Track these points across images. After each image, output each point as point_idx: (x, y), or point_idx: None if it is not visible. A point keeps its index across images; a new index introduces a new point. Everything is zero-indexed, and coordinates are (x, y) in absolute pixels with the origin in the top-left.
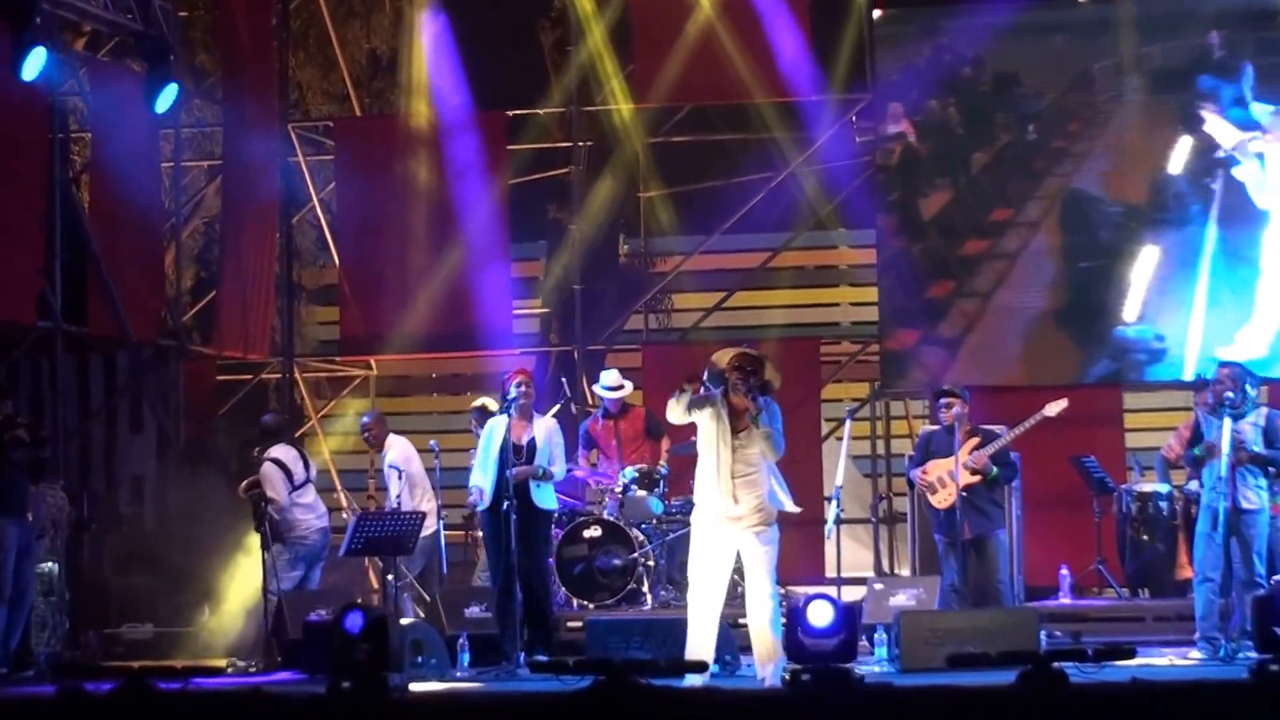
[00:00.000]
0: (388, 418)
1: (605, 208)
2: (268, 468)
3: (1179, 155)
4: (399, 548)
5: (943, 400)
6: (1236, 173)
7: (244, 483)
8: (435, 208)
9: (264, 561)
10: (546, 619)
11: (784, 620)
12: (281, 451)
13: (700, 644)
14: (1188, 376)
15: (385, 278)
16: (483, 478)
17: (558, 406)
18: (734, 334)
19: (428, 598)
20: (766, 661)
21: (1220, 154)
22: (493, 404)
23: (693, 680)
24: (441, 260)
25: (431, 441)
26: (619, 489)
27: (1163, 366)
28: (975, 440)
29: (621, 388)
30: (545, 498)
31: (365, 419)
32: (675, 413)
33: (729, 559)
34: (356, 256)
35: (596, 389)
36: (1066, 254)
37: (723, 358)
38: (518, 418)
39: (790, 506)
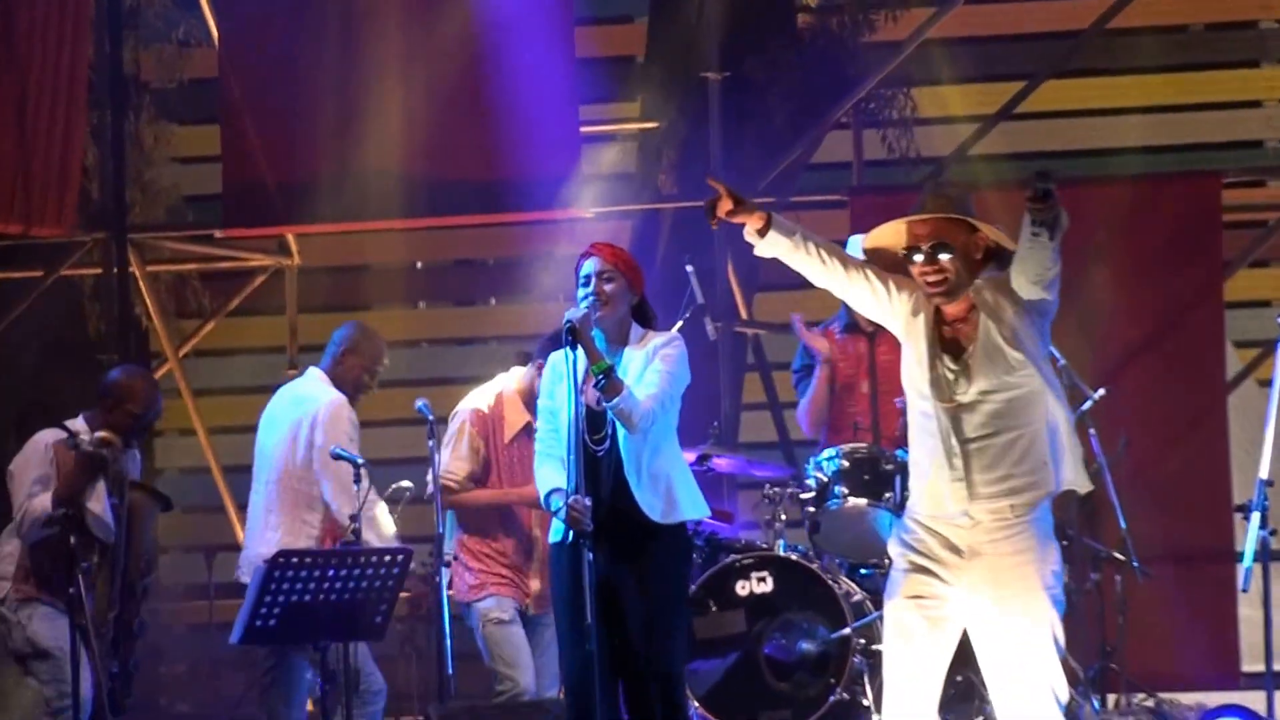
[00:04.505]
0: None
1: None
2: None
3: None
4: (358, 626)
5: None
6: None
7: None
8: None
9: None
10: None
11: None
12: None
13: None
14: None
15: (313, 71)
16: (557, 473)
17: (680, 323)
18: (1036, 164)
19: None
20: None
21: None
22: None
23: None
24: (430, 31)
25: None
26: (808, 494)
27: None
28: None
29: None
30: (666, 501)
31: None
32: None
33: (954, 630)
34: (252, 24)
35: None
36: None
37: (893, 233)
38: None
39: (1083, 484)
